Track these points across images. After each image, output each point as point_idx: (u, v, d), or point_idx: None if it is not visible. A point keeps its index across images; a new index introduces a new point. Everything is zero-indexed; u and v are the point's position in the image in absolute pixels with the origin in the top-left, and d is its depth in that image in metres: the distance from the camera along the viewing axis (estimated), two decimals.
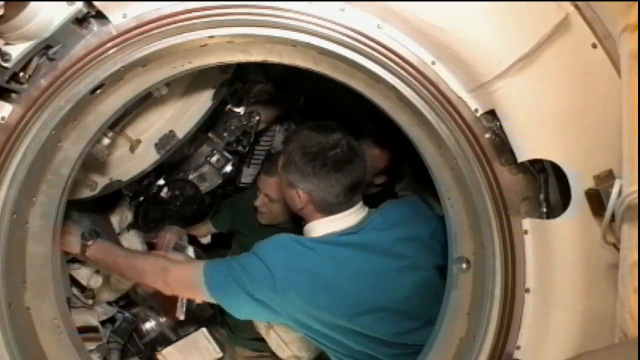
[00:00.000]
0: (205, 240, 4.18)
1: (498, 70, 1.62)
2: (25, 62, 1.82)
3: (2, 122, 1.88)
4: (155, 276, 2.65)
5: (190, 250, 3.63)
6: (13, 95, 1.88)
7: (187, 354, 3.44)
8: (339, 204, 2.58)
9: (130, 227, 3.75)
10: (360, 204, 2.66)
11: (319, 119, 3.01)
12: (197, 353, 3.45)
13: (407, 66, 1.78)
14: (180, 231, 3.66)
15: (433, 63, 1.76)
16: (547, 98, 1.62)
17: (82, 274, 3.29)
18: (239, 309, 2.59)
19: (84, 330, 3.16)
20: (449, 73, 1.76)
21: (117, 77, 2.04)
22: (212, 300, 2.60)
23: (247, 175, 4.24)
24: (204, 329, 3.56)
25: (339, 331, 2.52)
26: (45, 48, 1.83)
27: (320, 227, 2.62)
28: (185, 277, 2.62)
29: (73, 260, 3.31)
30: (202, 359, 3.45)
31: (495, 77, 1.63)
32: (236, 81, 3.23)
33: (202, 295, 2.60)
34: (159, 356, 3.36)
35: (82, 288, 3.34)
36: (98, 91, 2.03)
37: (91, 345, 3.10)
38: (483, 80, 1.66)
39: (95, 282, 3.32)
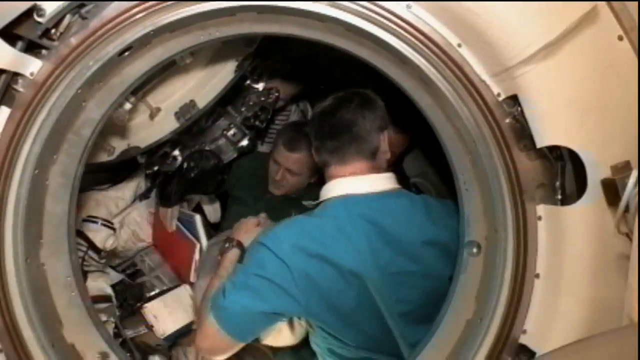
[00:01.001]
0: (215, 218, 4.21)
1: (524, 55, 1.63)
2: (58, 19, 1.84)
3: (31, 77, 1.89)
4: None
5: (198, 218, 3.68)
6: (43, 51, 1.89)
7: (172, 309, 3.45)
8: (327, 160, 2.55)
9: (142, 197, 3.79)
10: (387, 175, 2.56)
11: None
12: (182, 310, 3.47)
13: (433, 47, 1.80)
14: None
15: (459, 45, 1.77)
16: (570, 86, 1.64)
17: (100, 236, 3.36)
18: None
19: (99, 299, 3.21)
20: (474, 56, 1.77)
21: (145, 41, 2.06)
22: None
23: None
24: (187, 286, 3.60)
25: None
26: (79, 6, 1.85)
27: (338, 186, 2.53)
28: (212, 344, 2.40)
29: (90, 220, 3.39)
30: (187, 316, 3.48)
31: (520, 62, 1.65)
32: (256, 57, 3.25)
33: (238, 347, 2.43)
34: (144, 310, 3.38)
35: (97, 250, 3.39)
36: (126, 53, 2.04)
37: (104, 317, 3.14)
38: (508, 65, 1.68)
39: (111, 244, 3.38)
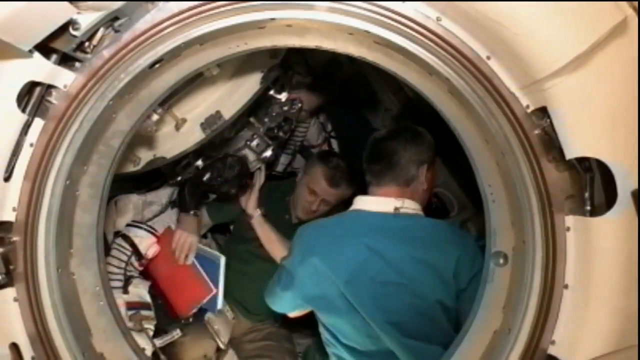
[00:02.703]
0: None
1: (553, 67, 1.63)
2: (92, 33, 1.87)
3: (64, 89, 1.92)
4: None
5: (223, 261, 3.64)
6: (77, 64, 1.92)
7: (220, 321, 3.52)
8: (370, 180, 2.89)
9: (174, 205, 3.81)
10: (407, 201, 2.79)
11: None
12: (224, 322, 3.53)
13: (462, 59, 1.81)
14: (196, 236, 3.70)
15: (488, 58, 1.78)
16: (599, 98, 1.63)
17: (145, 243, 3.39)
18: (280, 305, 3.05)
19: (137, 305, 3.24)
20: (503, 69, 1.77)
21: (175, 54, 2.08)
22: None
23: (279, 164, 4.31)
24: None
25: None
26: (112, 20, 1.88)
27: (357, 201, 2.92)
28: None
29: (135, 226, 3.42)
30: (224, 330, 3.53)
31: (550, 74, 1.64)
32: (279, 68, 3.27)
33: None
34: (206, 322, 3.44)
35: (139, 257, 3.43)
36: (156, 66, 2.07)
37: (148, 324, 3.17)
38: (537, 77, 1.67)
39: (153, 252, 3.41)
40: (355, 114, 4.40)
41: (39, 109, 1.92)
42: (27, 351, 2.02)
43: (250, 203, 3.68)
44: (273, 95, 3.43)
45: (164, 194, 3.79)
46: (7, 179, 1.92)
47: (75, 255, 2.28)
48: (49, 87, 1.91)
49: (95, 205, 2.37)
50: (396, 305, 2.65)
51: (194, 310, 3.62)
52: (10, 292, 2.01)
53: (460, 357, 2.21)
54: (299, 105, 3.44)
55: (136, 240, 3.47)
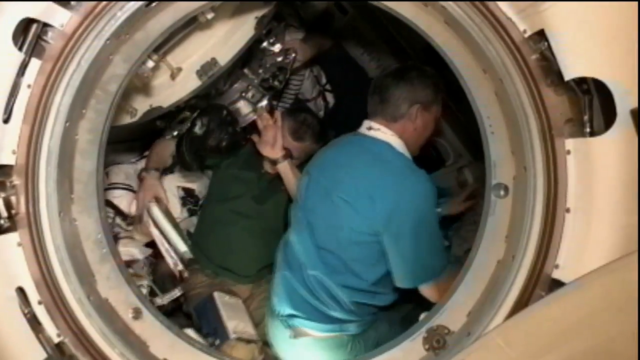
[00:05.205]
0: None
1: None
2: None
3: (61, 28, 1.92)
4: None
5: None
6: (72, 2, 1.91)
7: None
8: (369, 111, 3.01)
9: (166, 171, 3.76)
10: (375, 126, 2.93)
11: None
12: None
13: None
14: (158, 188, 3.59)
15: None
16: (597, 17, 1.63)
17: (125, 201, 3.38)
18: None
19: (129, 263, 3.24)
20: None
21: None
22: None
23: None
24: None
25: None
26: None
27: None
28: None
29: (113, 187, 3.40)
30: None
31: None
32: (272, 20, 3.26)
33: None
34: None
35: (124, 216, 3.41)
36: (153, 4, 2.06)
37: (140, 281, 3.16)
38: None
39: (135, 208, 3.41)
40: (350, 65, 4.38)
41: (35, 48, 1.91)
42: (33, 295, 2.03)
43: (277, 145, 3.43)
44: (267, 47, 3.43)
45: None
46: (6, 120, 1.92)
47: (76, 201, 2.29)
48: (45, 26, 1.90)
49: (94, 152, 2.36)
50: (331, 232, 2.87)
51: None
52: (13, 237, 2.02)
53: (464, 291, 2.22)
54: (293, 55, 3.44)
55: (115, 201, 3.49)
